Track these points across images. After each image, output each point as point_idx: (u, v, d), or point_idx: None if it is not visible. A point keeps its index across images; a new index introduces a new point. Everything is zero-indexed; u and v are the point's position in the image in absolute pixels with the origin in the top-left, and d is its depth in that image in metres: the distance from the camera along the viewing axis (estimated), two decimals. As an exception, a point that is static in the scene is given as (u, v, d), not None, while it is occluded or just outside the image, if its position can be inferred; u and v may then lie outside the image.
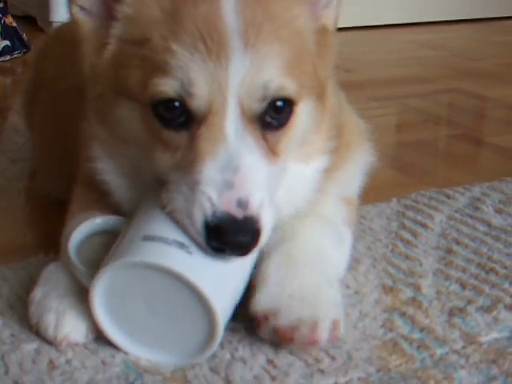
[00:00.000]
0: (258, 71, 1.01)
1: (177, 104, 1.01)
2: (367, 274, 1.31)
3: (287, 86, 1.03)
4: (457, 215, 1.55)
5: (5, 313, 1.16)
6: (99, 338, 1.09)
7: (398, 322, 1.18)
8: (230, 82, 1.00)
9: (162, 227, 1.04)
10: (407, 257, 1.38)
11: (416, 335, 1.14)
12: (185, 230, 1.02)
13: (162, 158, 1.06)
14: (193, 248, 1.03)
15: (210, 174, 1.00)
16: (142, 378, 1.03)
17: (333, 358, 1.08)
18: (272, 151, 1.06)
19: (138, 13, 1.05)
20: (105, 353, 1.07)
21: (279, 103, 1.04)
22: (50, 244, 1.27)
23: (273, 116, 1.04)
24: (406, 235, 1.46)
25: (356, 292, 1.25)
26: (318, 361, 1.08)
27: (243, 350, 1.09)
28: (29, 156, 1.82)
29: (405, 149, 2.06)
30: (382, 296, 1.25)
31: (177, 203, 1.02)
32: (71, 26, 1.14)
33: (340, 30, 1.14)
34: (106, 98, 1.10)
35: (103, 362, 1.06)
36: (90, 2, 1.09)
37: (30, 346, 1.08)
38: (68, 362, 1.06)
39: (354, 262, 1.34)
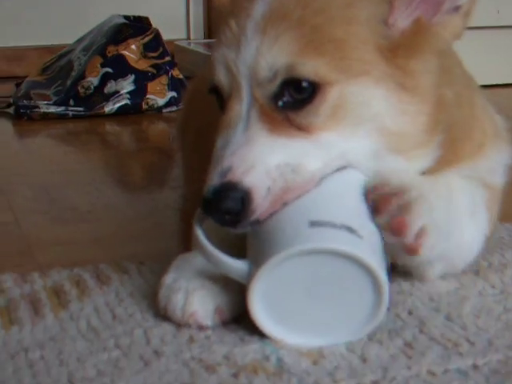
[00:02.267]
0: (264, 53, 1.05)
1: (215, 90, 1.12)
2: (515, 277, 1.28)
3: (302, 66, 1.04)
4: None
5: (150, 297, 1.20)
6: (237, 320, 1.11)
7: (545, 316, 1.14)
8: (240, 67, 1.06)
9: (327, 210, 1.06)
10: (559, 266, 1.33)
11: None
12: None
13: None
14: (362, 231, 1.05)
15: (215, 154, 1.07)
16: (278, 352, 1.04)
17: (472, 344, 1.06)
18: (299, 127, 1.06)
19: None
20: (243, 331, 1.10)
21: (304, 84, 1.06)
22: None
23: (292, 95, 1.06)
24: (559, 248, 1.41)
25: (501, 291, 1.22)
26: (456, 345, 1.06)
27: (381, 335, 1.08)
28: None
29: None
30: (529, 296, 1.21)
31: None
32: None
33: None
34: None
35: (241, 339, 1.08)
36: None
37: (172, 324, 1.12)
38: (207, 337, 1.08)
39: (500, 266, 1.31)
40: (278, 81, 1.06)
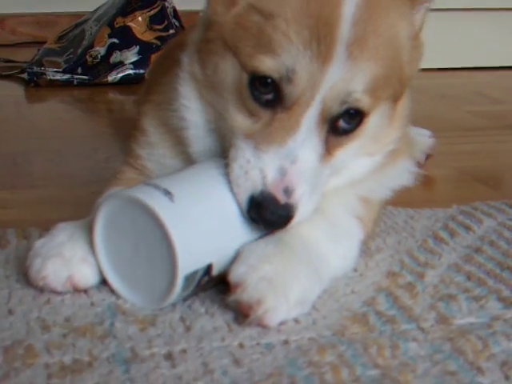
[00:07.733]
0: (349, 82, 1.14)
1: (269, 80, 1.15)
2: (381, 262, 1.35)
3: (364, 100, 1.16)
4: (509, 222, 1.54)
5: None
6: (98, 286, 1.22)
7: (381, 299, 1.21)
8: (323, 84, 1.13)
9: (168, 179, 1.20)
10: (431, 251, 1.40)
11: (391, 312, 1.18)
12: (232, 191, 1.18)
13: (241, 121, 1.19)
14: (176, 199, 1.15)
15: (272, 157, 1.15)
16: (115, 317, 1.14)
17: (297, 322, 1.14)
18: (328, 152, 1.19)
19: None
20: (97, 296, 1.20)
21: (352, 111, 1.17)
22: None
23: (346, 121, 1.18)
24: (443, 234, 1.47)
25: (360, 275, 1.30)
26: (280, 322, 1.13)
27: (213, 309, 1.18)
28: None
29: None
30: (382, 279, 1.28)
31: (236, 168, 1.18)
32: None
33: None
34: (214, 45, 1.22)
35: (92, 303, 1.18)
36: None
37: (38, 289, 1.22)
38: (62, 300, 1.19)
39: (375, 251, 1.39)
40: (345, 106, 1.16)
